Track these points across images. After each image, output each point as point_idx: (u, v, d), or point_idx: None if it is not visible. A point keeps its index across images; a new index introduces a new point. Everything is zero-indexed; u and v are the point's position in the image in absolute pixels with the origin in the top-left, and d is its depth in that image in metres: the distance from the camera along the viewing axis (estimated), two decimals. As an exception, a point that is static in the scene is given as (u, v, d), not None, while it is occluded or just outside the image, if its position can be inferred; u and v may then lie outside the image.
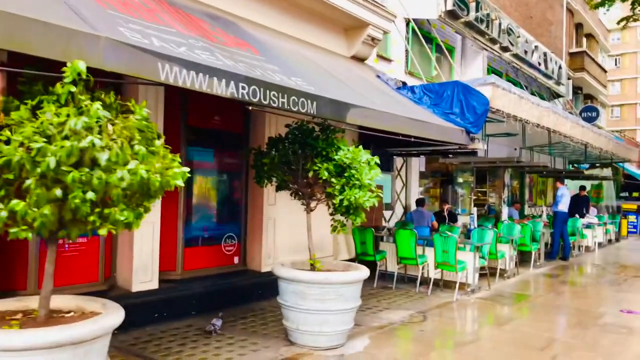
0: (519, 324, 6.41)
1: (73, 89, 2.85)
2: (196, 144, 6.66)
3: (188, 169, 3.24)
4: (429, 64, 11.86)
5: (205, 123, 6.81)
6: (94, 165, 2.79)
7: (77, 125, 2.73)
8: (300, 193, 5.52)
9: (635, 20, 15.63)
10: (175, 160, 3.23)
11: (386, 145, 8.88)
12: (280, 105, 4.36)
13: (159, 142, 3.21)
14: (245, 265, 7.25)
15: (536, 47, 16.22)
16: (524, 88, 15.92)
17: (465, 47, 13.71)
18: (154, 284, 5.82)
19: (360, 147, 5.19)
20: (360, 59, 8.63)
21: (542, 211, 18.01)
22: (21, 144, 2.67)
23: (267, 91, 4.23)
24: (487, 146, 10.30)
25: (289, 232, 7.26)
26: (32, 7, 2.98)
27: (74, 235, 2.95)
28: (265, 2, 6.87)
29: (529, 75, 16.71)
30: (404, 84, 8.50)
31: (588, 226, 14.07)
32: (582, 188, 15.43)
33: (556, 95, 19.49)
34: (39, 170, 2.65)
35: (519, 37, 14.85)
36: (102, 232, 2.92)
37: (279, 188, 5.69)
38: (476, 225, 9.83)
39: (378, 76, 8.43)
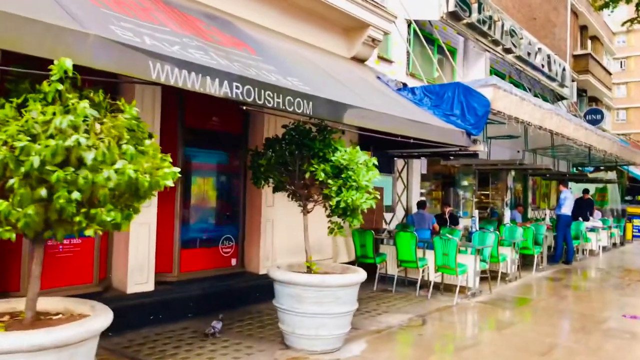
0: (520, 329, 6.32)
1: (60, 87, 2.80)
2: (194, 144, 6.61)
3: (179, 169, 3.18)
4: (431, 65, 11.77)
5: (203, 123, 6.77)
6: (80, 164, 2.74)
7: (63, 124, 2.67)
8: (297, 194, 5.46)
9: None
10: (165, 160, 3.18)
11: (386, 147, 8.81)
12: (275, 106, 4.29)
13: (149, 142, 3.15)
14: (243, 267, 7.19)
15: (540, 49, 16.11)
16: (527, 90, 15.80)
17: (467, 49, 13.63)
18: (149, 286, 5.77)
19: (358, 148, 5.12)
20: (360, 60, 8.57)
21: (546, 214, 17.88)
22: (5, 143, 2.62)
23: (262, 91, 4.17)
24: (489, 148, 10.20)
25: (288, 233, 7.19)
26: (20, 5, 2.93)
27: (60, 236, 2.89)
28: (264, 2, 6.82)
29: (533, 77, 16.59)
30: (405, 85, 8.44)
31: (592, 230, 13.95)
32: (586, 191, 15.31)
33: (560, 98, 19.37)
34: (22, 169, 2.61)
35: (522, 38, 14.75)
36: (89, 232, 2.87)
37: (276, 189, 5.63)
38: (477, 228, 9.73)
39: (378, 77, 8.36)
